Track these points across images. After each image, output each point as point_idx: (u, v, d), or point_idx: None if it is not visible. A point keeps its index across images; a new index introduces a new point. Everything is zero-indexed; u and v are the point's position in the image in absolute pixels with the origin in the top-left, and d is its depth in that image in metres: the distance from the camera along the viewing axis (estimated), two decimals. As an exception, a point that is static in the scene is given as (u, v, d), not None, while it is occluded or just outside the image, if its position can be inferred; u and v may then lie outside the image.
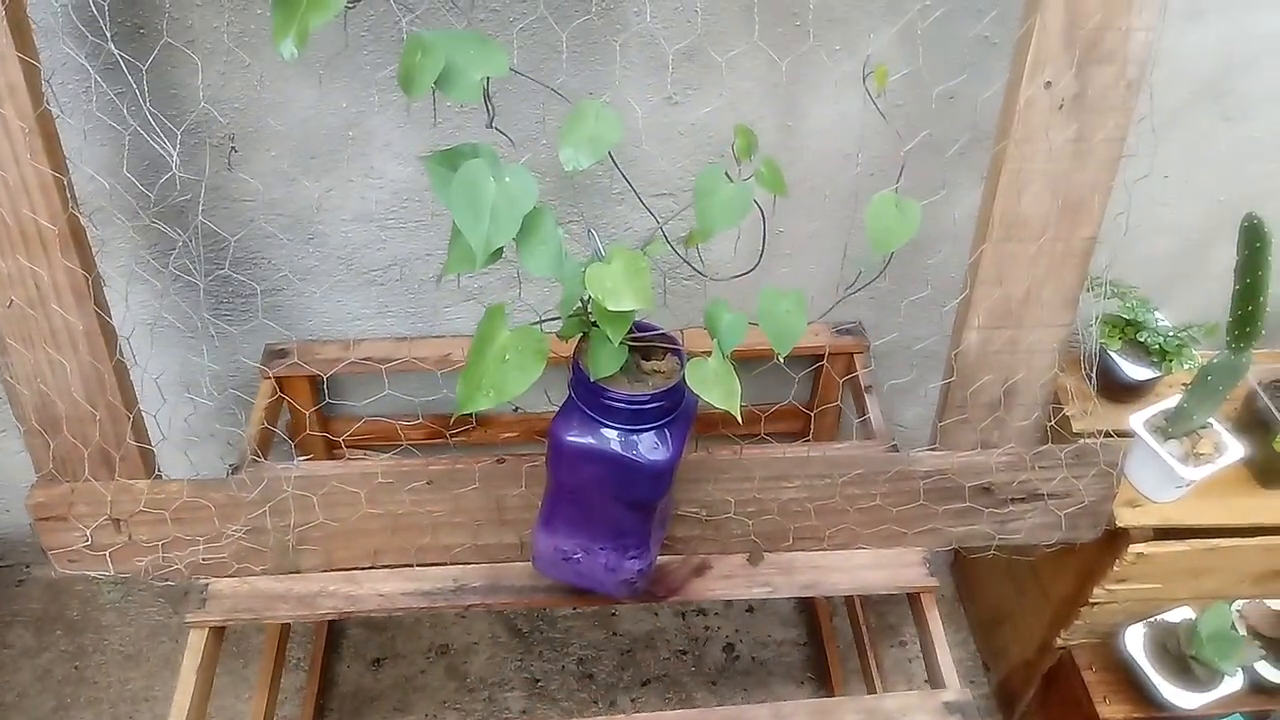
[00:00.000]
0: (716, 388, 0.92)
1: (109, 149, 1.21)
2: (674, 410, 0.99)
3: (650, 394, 0.96)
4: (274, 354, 1.47)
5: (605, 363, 0.93)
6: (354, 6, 0.83)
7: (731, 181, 0.92)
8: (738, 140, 0.94)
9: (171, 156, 0.98)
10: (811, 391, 1.66)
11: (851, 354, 1.54)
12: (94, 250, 1.08)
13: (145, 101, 0.97)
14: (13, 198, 0.99)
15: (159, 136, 0.99)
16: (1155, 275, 1.57)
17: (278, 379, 1.45)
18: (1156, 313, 1.45)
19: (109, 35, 0.94)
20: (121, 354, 1.12)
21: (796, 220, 1.41)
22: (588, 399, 0.97)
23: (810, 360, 1.59)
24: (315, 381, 1.51)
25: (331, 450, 1.62)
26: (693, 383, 0.92)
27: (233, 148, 1.15)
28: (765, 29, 1.20)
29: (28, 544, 1.87)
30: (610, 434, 0.97)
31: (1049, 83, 1.02)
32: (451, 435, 1.55)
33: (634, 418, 0.96)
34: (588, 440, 0.98)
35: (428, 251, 1.44)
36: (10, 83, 0.93)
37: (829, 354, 1.53)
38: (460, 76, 0.84)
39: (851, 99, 1.28)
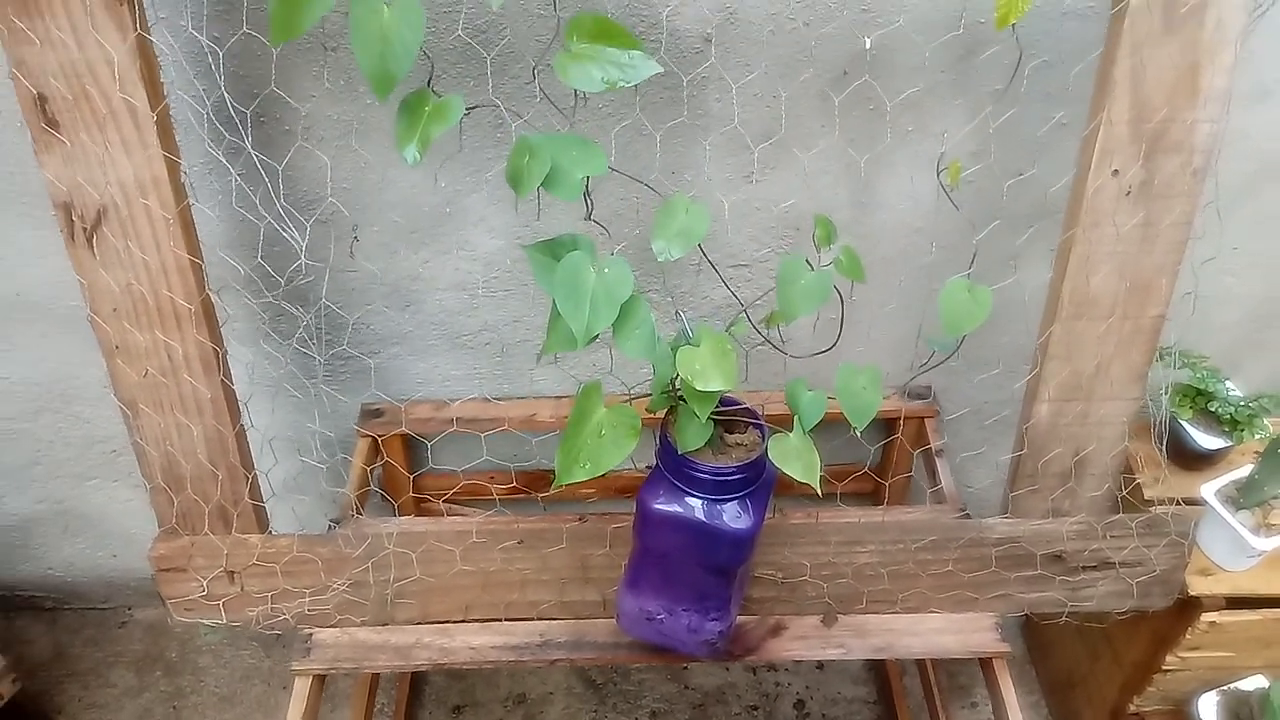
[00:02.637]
0: (798, 462, 0.98)
1: (224, 225, 1.31)
2: (756, 481, 1.04)
3: (734, 466, 1.02)
4: (370, 414, 1.56)
5: (692, 437, 0.99)
6: (469, 114, 0.91)
7: (812, 269, 0.99)
8: (818, 230, 1.00)
9: (300, 245, 1.07)
10: (883, 454, 1.70)
11: (923, 419, 1.58)
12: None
13: (279, 198, 1.07)
14: (153, 279, 1.09)
15: (288, 225, 1.08)
16: (1226, 344, 1.59)
17: (372, 436, 1.54)
18: (1228, 382, 1.47)
19: (248, 137, 1.04)
20: (241, 418, 1.21)
21: (871, 291, 1.46)
22: (674, 469, 1.03)
23: (882, 425, 1.63)
24: (407, 440, 1.60)
25: (420, 503, 1.70)
26: (775, 456, 0.98)
27: (355, 238, 1.25)
28: (841, 112, 1.27)
29: (131, 588, 1.97)
30: (695, 503, 1.03)
31: (1116, 171, 1.07)
32: (537, 494, 1.63)
33: (718, 488, 1.02)
34: (674, 508, 1.04)
35: (515, 318, 1.52)
36: (155, 177, 1.04)
37: (905, 417, 1.57)
38: (564, 177, 0.92)
39: (924, 179, 1.34)
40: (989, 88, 1.26)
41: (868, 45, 1.13)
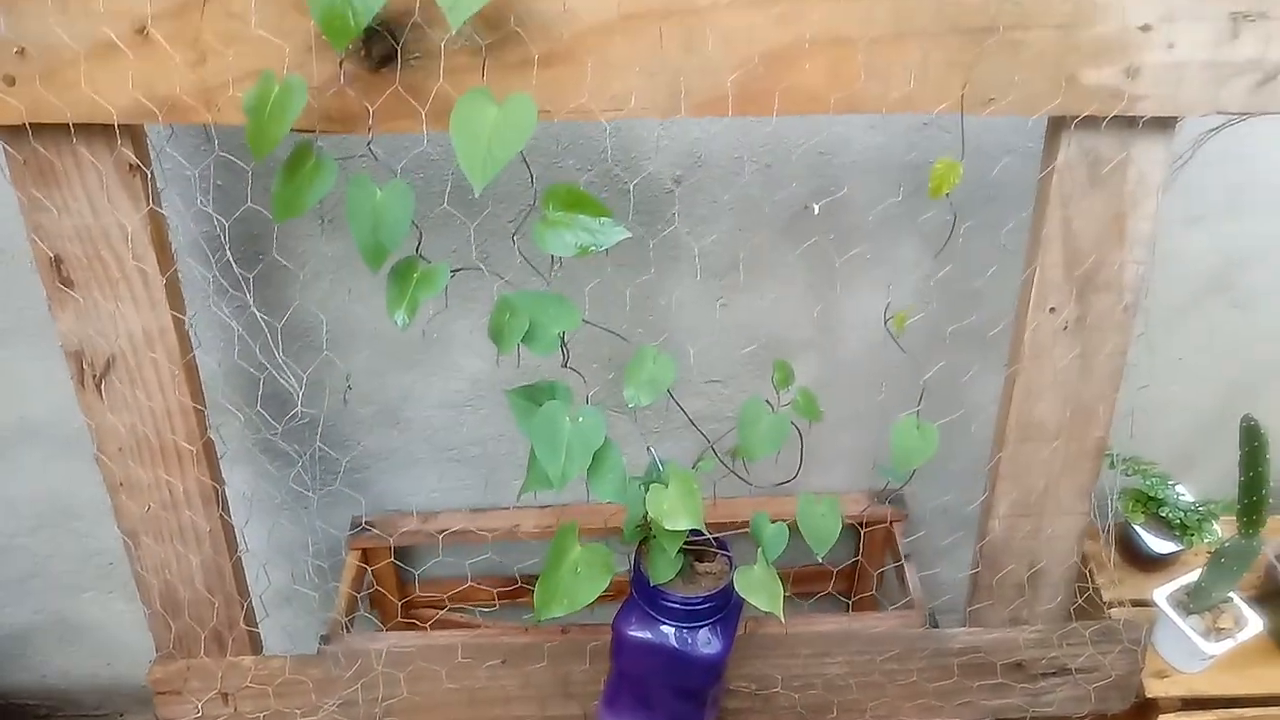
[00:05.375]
0: (762, 593, 1.05)
1: (222, 362, 1.39)
2: (725, 608, 1.11)
3: (703, 595, 1.08)
4: (359, 526, 1.62)
5: (663, 570, 1.06)
6: (454, 276, 1.00)
7: (772, 409, 1.06)
8: (776, 374, 1.08)
9: (298, 394, 1.14)
10: (854, 552, 1.76)
11: (891, 523, 1.65)
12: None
13: (278, 350, 1.15)
14: (157, 422, 1.16)
15: (287, 375, 1.16)
16: (1177, 448, 1.67)
17: (361, 548, 1.60)
18: (1177, 487, 1.54)
19: (250, 298, 1.12)
20: (238, 548, 1.28)
21: (839, 402, 1.54)
22: (647, 598, 1.10)
23: (853, 528, 1.70)
24: (396, 550, 1.66)
25: (408, 608, 1.75)
26: (741, 588, 1.05)
27: (349, 385, 1.32)
28: (798, 241, 1.36)
29: (124, 695, 2.00)
30: (668, 630, 1.10)
31: (1053, 309, 1.16)
32: (521, 599, 1.69)
33: (689, 616, 1.09)
34: (647, 635, 1.10)
35: (500, 432, 1.59)
36: (162, 329, 1.11)
37: (870, 520, 1.65)
38: (542, 333, 1.00)
39: (882, 300, 1.43)
40: (943, 218, 1.35)
41: (815, 210, 1.22)
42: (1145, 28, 0.97)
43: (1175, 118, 1.04)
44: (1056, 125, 1.06)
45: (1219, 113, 1.03)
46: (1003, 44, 0.97)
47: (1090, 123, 1.03)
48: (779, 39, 0.96)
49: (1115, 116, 1.02)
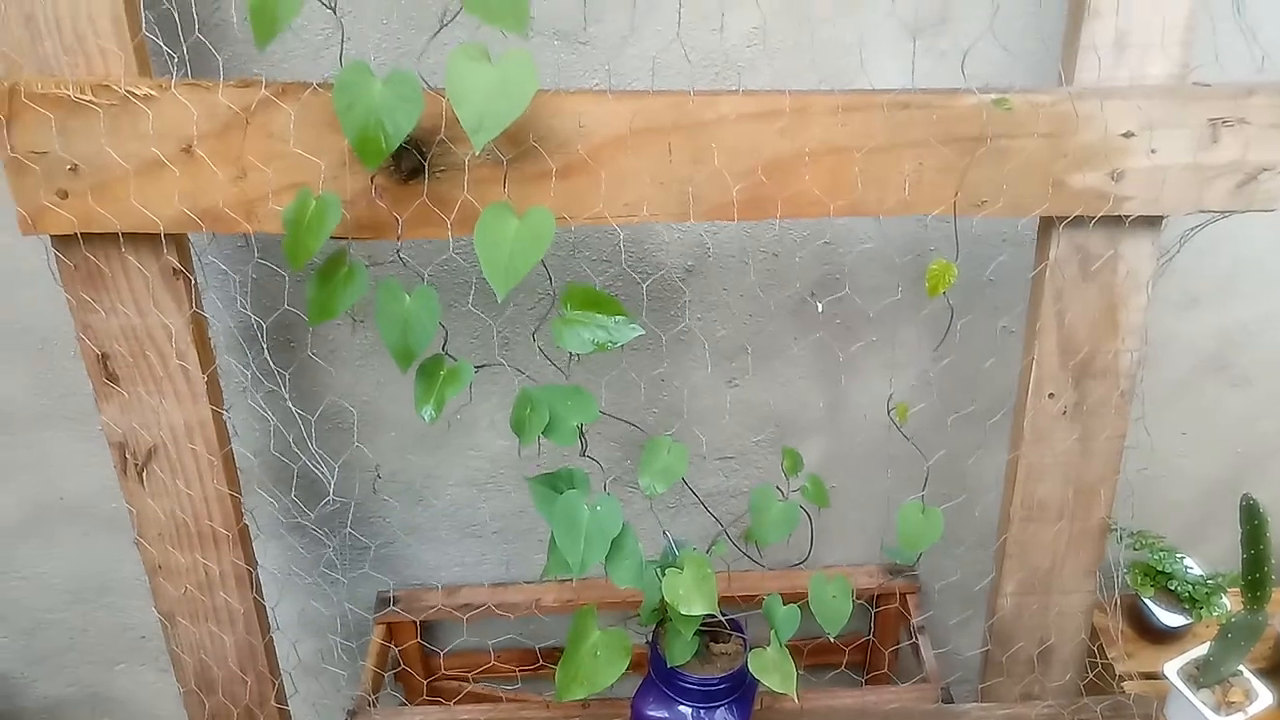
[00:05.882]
0: (775, 673, 1.09)
1: (258, 452, 1.45)
2: (741, 686, 1.15)
3: (719, 676, 1.12)
4: (383, 601, 1.66)
5: (680, 652, 1.10)
6: (478, 371, 1.05)
7: (783, 497, 1.11)
8: (785, 461, 1.13)
9: (330, 482, 1.20)
10: (870, 627, 1.79)
11: (905, 595, 1.68)
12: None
13: (311, 440, 1.21)
14: (195, 509, 1.21)
15: (319, 464, 1.22)
16: (1185, 519, 1.70)
17: (387, 623, 1.64)
18: (1186, 560, 1.57)
19: (285, 391, 1.18)
20: (270, 628, 1.32)
21: (849, 482, 1.59)
22: (665, 679, 1.14)
23: (869, 599, 1.73)
24: (420, 625, 1.70)
25: (433, 684, 1.78)
26: (754, 670, 1.09)
27: (377, 475, 1.38)
28: (809, 327, 1.41)
29: (152, 765, 2.04)
30: (685, 710, 1.13)
31: (1052, 395, 1.20)
32: (544, 670, 1.72)
33: (706, 696, 1.13)
34: (664, 715, 1.14)
35: (520, 509, 1.64)
36: (202, 422, 1.17)
37: (883, 594, 1.67)
38: (561, 425, 1.06)
39: (887, 385, 1.48)
40: (944, 307, 1.40)
41: (819, 309, 1.28)
42: (1128, 134, 1.03)
43: (1161, 216, 1.10)
44: (1047, 224, 1.12)
45: (1202, 211, 1.08)
46: (992, 152, 1.03)
47: (1079, 222, 1.09)
48: (781, 150, 1.02)
49: (1103, 216, 1.07)
